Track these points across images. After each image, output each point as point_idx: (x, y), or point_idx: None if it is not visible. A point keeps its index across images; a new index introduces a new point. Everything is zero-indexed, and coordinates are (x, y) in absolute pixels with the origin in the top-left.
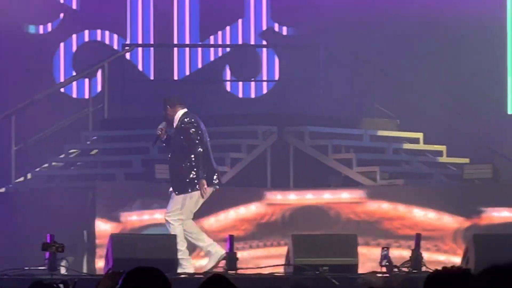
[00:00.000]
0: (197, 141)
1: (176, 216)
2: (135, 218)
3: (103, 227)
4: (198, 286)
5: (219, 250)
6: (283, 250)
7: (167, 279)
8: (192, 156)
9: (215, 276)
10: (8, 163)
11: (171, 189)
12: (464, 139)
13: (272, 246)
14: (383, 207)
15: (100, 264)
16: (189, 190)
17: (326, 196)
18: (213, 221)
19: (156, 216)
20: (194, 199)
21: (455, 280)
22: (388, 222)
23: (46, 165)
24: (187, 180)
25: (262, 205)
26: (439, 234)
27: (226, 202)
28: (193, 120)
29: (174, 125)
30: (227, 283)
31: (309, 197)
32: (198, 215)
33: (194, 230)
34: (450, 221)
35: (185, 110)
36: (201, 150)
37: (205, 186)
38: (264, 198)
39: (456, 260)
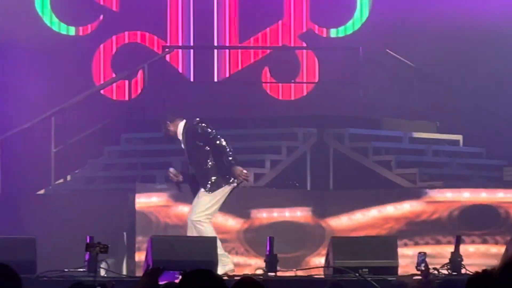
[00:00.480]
0: (210, 136)
1: (207, 215)
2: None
3: (144, 229)
4: None
5: (229, 262)
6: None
7: (223, 281)
8: (214, 150)
9: (246, 279)
10: (48, 165)
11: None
12: (504, 141)
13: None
14: None
15: (140, 266)
16: (223, 185)
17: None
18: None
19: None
20: (225, 193)
21: (497, 282)
22: None
23: (85, 167)
24: (219, 175)
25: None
26: None
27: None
28: (194, 123)
29: (180, 137)
30: (258, 285)
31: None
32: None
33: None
34: None
35: (185, 120)
36: (218, 142)
37: (244, 171)
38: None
39: None
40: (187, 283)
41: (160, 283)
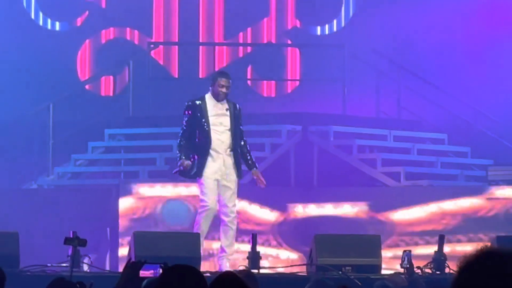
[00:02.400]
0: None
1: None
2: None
3: (126, 225)
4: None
5: None
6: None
7: (204, 278)
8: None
9: (226, 274)
10: (32, 160)
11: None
12: (489, 141)
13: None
14: None
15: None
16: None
17: None
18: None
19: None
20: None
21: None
22: None
23: (70, 162)
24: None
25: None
26: None
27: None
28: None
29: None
30: (238, 281)
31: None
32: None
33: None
34: None
35: None
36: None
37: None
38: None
39: None
40: (167, 279)
41: (141, 275)
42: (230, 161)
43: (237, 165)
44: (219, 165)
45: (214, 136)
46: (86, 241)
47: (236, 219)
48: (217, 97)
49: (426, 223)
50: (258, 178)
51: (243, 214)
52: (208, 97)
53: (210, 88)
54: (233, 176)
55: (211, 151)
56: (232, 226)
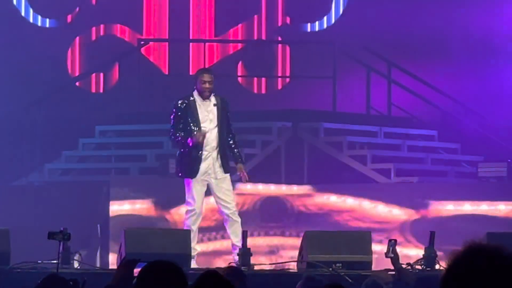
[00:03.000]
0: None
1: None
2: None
3: (117, 221)
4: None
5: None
6: None
7: (184, 273)
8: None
9: (208, 272)
10: (22, 156)
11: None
12: (479, 138)
13: None
14: None
15: (113, 258)
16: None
17: None
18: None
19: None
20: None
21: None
22: None
23: (60, 158)
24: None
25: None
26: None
27: None
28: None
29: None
30: (219, 279)
31: None
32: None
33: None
34: None
35: None
36: None
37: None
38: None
39: None
40: (144, 275)
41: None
42: (219, 157)
43: (226, 160)
44: (209, 164)
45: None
46: (70, 235)
47: (237, 212)
48: (203, 95)
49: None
50: (241, 173)
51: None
52: (196, 95)
53: (195, 87)
54: (221, 173)
55: (200, 151)
56: (236, 219)
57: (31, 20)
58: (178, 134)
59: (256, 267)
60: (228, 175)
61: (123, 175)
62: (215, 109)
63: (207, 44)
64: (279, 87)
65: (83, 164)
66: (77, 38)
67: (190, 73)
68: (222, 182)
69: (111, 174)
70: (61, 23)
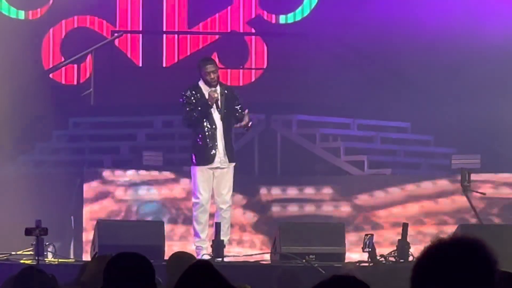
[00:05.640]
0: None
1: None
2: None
3: (90, 213)
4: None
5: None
6: None
7: (151, 264)
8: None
9: (199, 262)
10: None
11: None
12: (452, 130)
13: None
14: None
15: (87, 249)
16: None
17: None
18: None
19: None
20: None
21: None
22: None
23: (34, 150)
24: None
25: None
26: None
27: None
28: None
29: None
30: (211, 270)
31: None
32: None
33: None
34: None
35: None
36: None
37: None
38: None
39: None
40: (111, 268)
41: None
42: (225, 145)
43: (231, 148)
44: (216, 151)
45: (211, 123)
46: (47, 229)
47: (230, 209)
48: (210, 85)
49: (390, 209)
50: (245, 116)
51: None
52: (201, 84)
53: (201, 78)
54: (226, 163)
55: (208, 140)
56: (225, 216)
57: (5, 12)
58: (193, 113)
59: (229, 259)
60: (232, 165)
61: (96, 167)
62: (222, 98)
63: (180, 35)
64: (253, 79)
65: (56, 156)
66: (51, 30)
67: (164, 65)
68: (226, 173)
69: (84, 166)
70: (35, 15)
